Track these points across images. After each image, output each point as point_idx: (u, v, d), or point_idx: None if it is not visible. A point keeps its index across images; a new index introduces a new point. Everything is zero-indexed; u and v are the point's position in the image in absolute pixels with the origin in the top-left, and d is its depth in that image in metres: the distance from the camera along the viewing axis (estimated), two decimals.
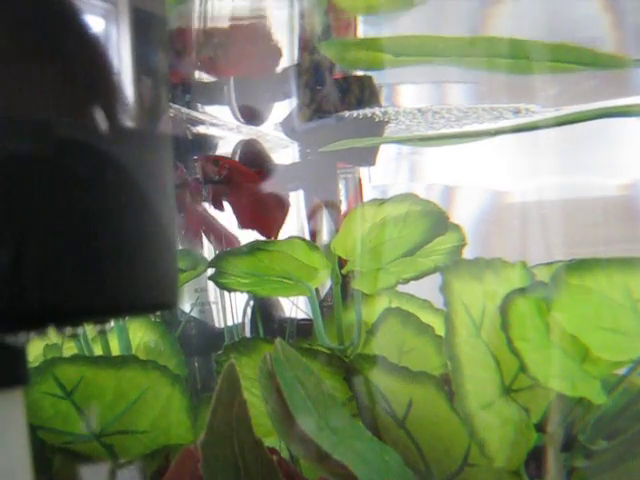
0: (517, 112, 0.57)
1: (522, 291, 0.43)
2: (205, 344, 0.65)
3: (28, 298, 0.24)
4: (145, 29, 0.29)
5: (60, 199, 0.25)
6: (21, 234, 0.24)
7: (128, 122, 0.28)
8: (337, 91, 0.59)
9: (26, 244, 0.24)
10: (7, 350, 0.27)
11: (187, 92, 0.64)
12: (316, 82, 0.59)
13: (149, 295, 0.29)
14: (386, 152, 0.63)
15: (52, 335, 0.26)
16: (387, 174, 0.64)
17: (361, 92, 0.59)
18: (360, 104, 0.59)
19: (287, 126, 0.64)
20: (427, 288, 0.54)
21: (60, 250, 0.25)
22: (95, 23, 0.27)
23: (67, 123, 0.25)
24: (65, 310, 0.26)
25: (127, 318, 0.55)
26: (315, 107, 0.59)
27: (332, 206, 0.64)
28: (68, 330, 0.27)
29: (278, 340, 0.43)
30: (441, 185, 0.60)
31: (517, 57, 0.49)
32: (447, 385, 0.45)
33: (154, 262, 0.29)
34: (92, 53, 0.27)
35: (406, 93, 0.63)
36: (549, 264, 0.47)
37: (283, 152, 0.67)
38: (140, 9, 0.29)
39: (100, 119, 0.27)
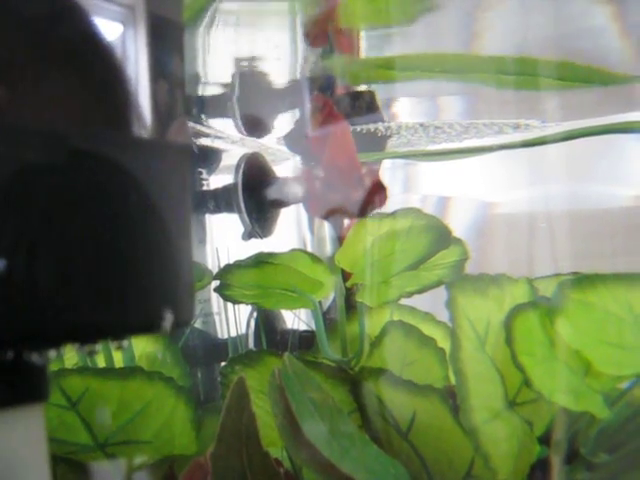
0: (516, 127, 0.57)
1: (526, 306, 0.44)
2: (208, 355, 0.65)
3: (49, 317, 0.25)
4: (162, 36, 0.30)
5: (78, 215, 0.25)
6: (41, 253, 0.24)
7: (145, 131, 0.28)
8: (347, 99, 0.60)
9: (45, 263, 0.24)
10: (29, 367, 0.27)
11: (194, 106, 0.64)
12: (328, 87, 0.60)
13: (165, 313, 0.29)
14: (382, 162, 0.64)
15: (72, 352, 0.26)
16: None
17: (365, 106, 0.60)
18: (364, 117, 0.59)
19: (289, 139, 0.65)
20: (430, 300, 0.54)
21: (80, 269, 0.25)
22: (112, 31, 0.27)
23: (82, 133, 0.25)
24: (85, 329, 0.26)
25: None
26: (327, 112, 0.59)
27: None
28: (88, 347, 0.27)
29: (286, 355, 0.43)
30: (440, 196, 0.60)
31: (523, 74, 0.49)
32: (451, 398, 0.46)
33: (171, 279, 0.29)
34: (108, 62, 0.27)
35: (405, 107, 0.64)
36: (553, 276, 0.47)
37: (285, 165, 0.68)
38: (157, 16, 0.29)
39: (116, 128, 0.27)
